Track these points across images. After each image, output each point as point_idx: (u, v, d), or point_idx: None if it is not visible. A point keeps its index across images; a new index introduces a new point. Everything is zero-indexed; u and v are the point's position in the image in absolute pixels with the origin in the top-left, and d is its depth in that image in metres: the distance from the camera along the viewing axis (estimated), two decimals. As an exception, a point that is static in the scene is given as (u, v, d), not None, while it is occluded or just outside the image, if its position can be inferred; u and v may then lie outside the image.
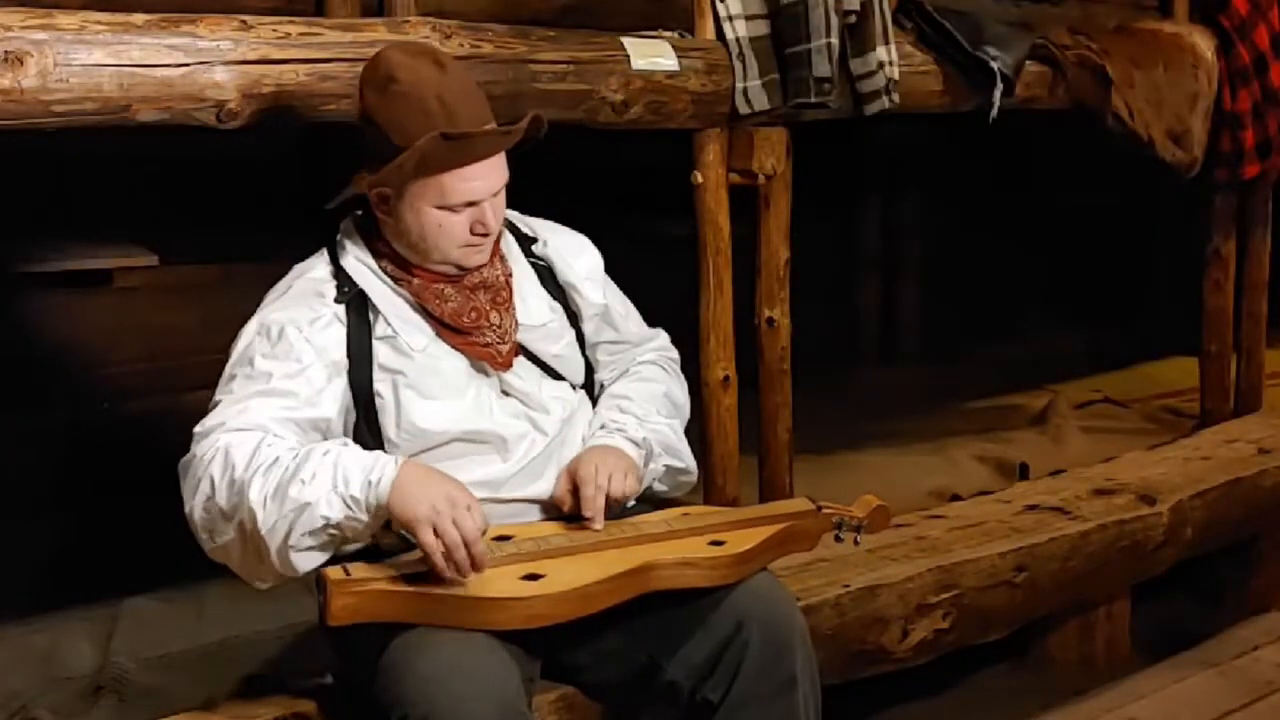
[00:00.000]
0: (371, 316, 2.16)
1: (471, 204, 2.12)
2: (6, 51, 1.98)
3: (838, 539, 2.34)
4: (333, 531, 1.97)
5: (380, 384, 2.14)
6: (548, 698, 2.24)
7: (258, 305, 2.17)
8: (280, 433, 2.01)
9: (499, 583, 2.02)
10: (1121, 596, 3.47)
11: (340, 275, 2.18)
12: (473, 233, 2.14)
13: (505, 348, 2.22)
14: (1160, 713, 3.10)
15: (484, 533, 1.99)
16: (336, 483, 1.95)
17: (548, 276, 2.36)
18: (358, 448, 2.04)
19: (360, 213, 2.25)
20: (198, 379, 3.58)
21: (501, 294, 2.24)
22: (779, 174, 2.97)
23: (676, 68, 2.79)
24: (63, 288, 3.59)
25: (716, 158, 2.92)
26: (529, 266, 2.34)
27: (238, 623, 2.94)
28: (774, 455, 3.10)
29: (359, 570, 2.00)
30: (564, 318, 2.35)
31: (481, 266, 2.21)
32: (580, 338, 2.38)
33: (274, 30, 2.27)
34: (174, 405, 3.65)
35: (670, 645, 2.15)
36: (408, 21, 2.50)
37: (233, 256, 3.80)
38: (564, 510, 2.20)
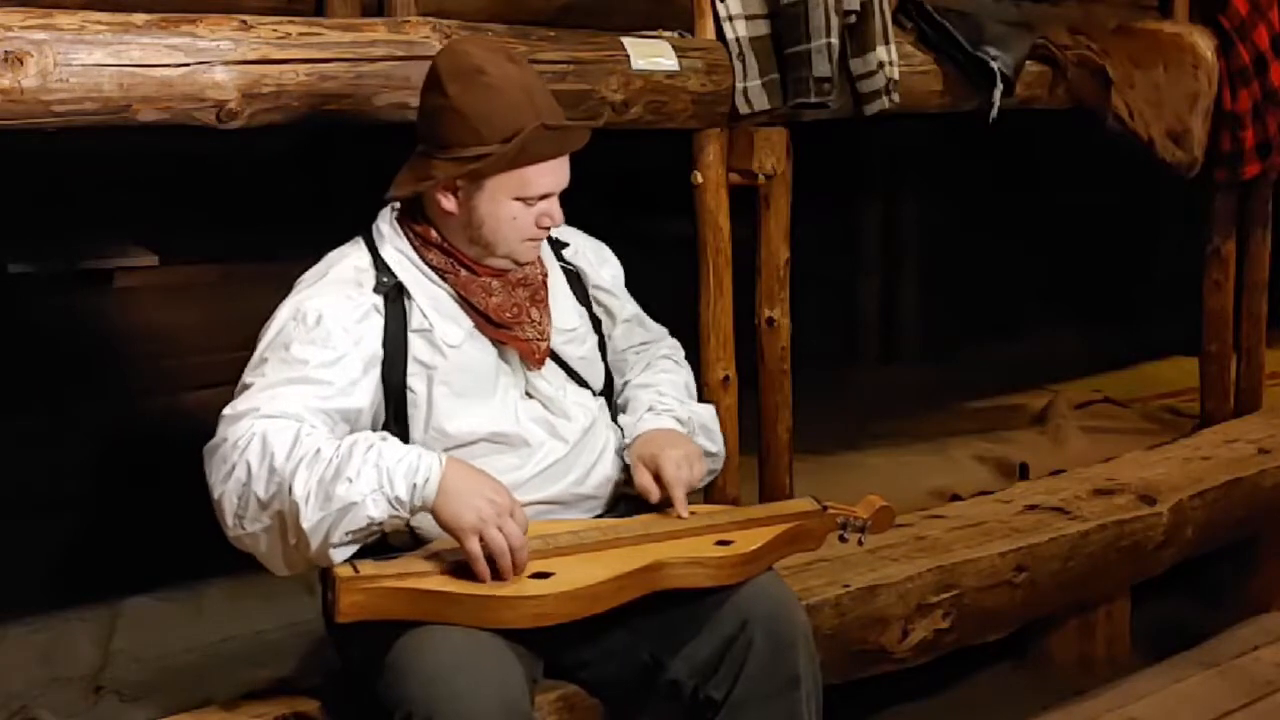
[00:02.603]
0: (408, 308, 2.16)
1: (544, 197, 2.15)
2: (6, 51, 1.97)
3: (842, 539, 2.35)
4: (375, 529, 1.98)
5: (414, 378, 2.14)
6: (548, 697, 2.25)
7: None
8: (314, 423, 2.00)
9: (507, 581, 2.01)
10: (1121, 596, 3.47)
11: (379, 265, 2.18)
12: (538, 226, 2.17)
13: (543, 345, 2.24)
14: (1160, 713, 3.10)
15: (525, 532, 2.01)
16: (382, 483, 1.95)
17: (575, 282, 2.39)
18: (396, 441, 2.04)
19: (397, 203, 2.25)
20: (198, 379, 3.61)
21: (539, 293, 2.26)
22: (779, 174, 2.97)
23: (676, 68, 2.79)
24: (63, 288, 3.59)
25: (716, 158, 2.92)
26: (560, 270, 2.37)
27: (238, 623, 2.94)
28: (774, 455, 3.10)
29: (367, 567, 2.00)
30: (589, 323, 2.38)
31: (527, 264, 2.23)
32: (601, 344, 2.40)
33: (274, 30, 2.26)
34: (174, 405, 3.66)
35: (674, 644, 2.16)
36: (408, 21, 2.49)
37: (233, 256, 3.80)
38: (651, 499, 2.23)
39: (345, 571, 1.98)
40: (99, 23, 2.09)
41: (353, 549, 1.99)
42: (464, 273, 2.19)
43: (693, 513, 2.28)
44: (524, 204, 2.14)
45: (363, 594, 1.97)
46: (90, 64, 2.05)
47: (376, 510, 1.95)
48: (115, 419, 3.63)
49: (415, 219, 2.21)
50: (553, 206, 2.17)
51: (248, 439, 1.96)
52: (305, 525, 1.93)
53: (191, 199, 3.69)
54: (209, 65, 2.17)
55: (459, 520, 1.97)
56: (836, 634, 2.73)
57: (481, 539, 1.97)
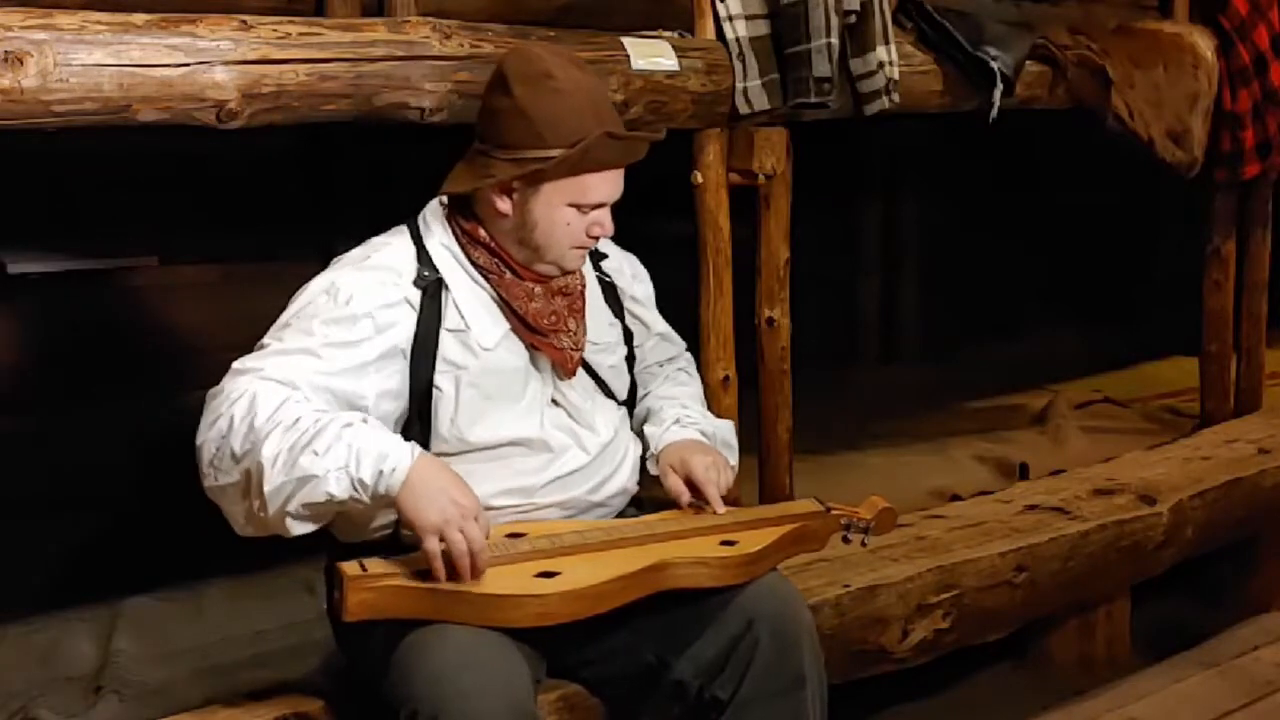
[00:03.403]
0: (444, 305, 2.15)
1: (598, 206, 2.16)
2: (6, 51, 1.97)
3: (845, 540, 2.36)
4: (335, 507, 1.97)
5: (441, 377, 2.14)
6: (549, 697, 2.25)
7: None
8: (310, 395, 2.00)
9: (513, 580, 2.02)
10: (1121, 596, 3.47)
11: (422, 258, 2.17)
12: (588, 234, 2.17)
13: (577, 354, 2.24)
14: (1160, 713, 3.10)
15: (487, 536, 2.00)
16: (348, 462, 1.93)
17: (610, 293, 2.40)
18: (378, 424, 2.03)
19: (445, 199, 2.25)
20: (198, 379, 3.60)
21: (577, 302, 2.27)
22: (779, 174, 2.97)
23: (676, 68, 2.79)
24: (62, 288, 3.59)
25: (716, 158, 2.92)
26: (596, 281, 2.38)
27: (238, 623, 2.94)
28: (774, 455, 3.10)
29: (375, 566, 2.00)
30: (620, 334, 2.39)
31: (570, 272, 2.23)
32: (629, 355, 2.41)
33: (274, 30, 2.26)
34: (174, 405, 3.65)
35: (679, 644, 2.16)
36: (408, 21, 2.49)
37: (233, 256, 3.80)
38: (682, 502, 2.27)
39: (353, 570, 1.98)
40: (99, 23, 2.09)
41: (310, 526, 1.98)
42: (508, 275, 2.19)
43: (696, 514, 2.29)
44: (578, 211, 2.14)
45: (370, 592, 1.97)
46: (90, 64, 2.05)
47: (337, 488, 1.93)
48: (115, 419, 3.63)
49: (464, 216, 2.21)
50: (604, 216, 2.18)
51: (239, 394, 1.97)
52: (267, 488, 1.92)
53: (191, 199, 3.69)
54: (209, 65, 2.17)
55: (422, 517, 1.95)
56: (837, 634, 2.73)
57: (442, 539, 1.96)
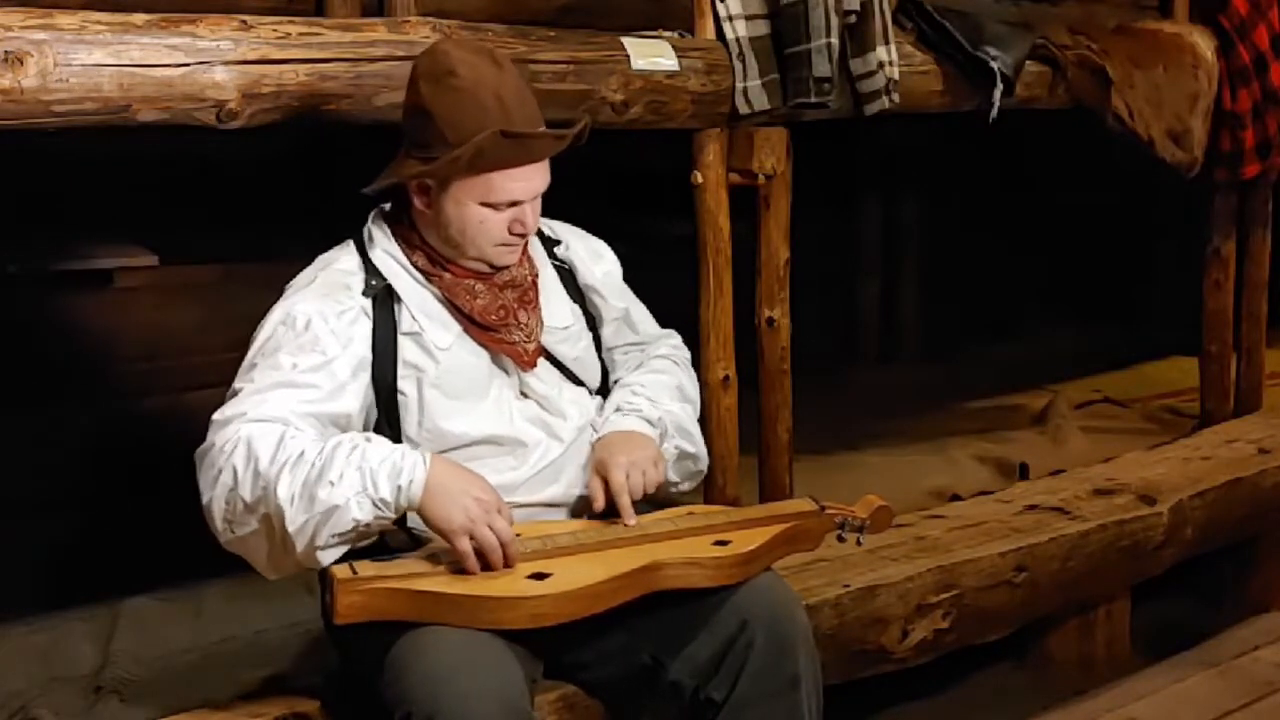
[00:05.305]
0: (397, 311, 2.16)
1: (514, 203, 2.14)
2: (6, 51, 1.98)
3: (840, 539, 2.35)
4: (361, 530, 1.98)
5: (404, 381, 2.14)
6: (548, 697, 2.25)
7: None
8: (300, 426, 2.00)
9: (505, 582, 2.02)
10: (1121, 596, 3.47)
11: (368, 268, 2.18)
12: (511, 232, 2.16)
13: (531, 347, 2.23)
14: (1160, 713, 3.10)
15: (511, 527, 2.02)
16: (366, 485, 1.95)
17: (569, 279, 2.38)
18: (381, 441, 2.03)
19: (389, 205, 2.25)
20: (198, 379, 3.61)
21: (528, 294, 2.25)
22: (779, 174, 2.97)
23: (676, 68, 2.79)
24: (63, 288, 3.59)
25: (716, 158, 2.92)
26: (552, 269, 2.36)
27: (238, 623, 2.94)
28: (774, 455, 3.10)
29: (365, 568, 2.00)
30: (583, 321, 2.37)
31: (511, 265, 2.22)
32: (597, 341, 2.39)
33: (274, 30, 2.27)
34: (174, 405, 3.66)
35: (674, 645, 2.16)
36: (408, 21, 2.50)
37: (233, 256, 3.80)
38: (595, 507, 2.21)
39: (343, 572, 1.98)
40: (99, 23, 2.09)
41: (341, 550, 2.00)
42: (447, 275, 2.19)
43: (690, 514, 2.28)
44: (492, 209, 2.13)
45: (361, 595, 1.97)
46: (90, 64, 2.05)
47: (361, 513, 1.95)
48: (115, 419, 3.63)
49: (402, 222, 2.22)
50: (524, 213, 2.15)
51: (234, 444, 1.97)
52: (290, 528, 1.93)
53: (191, 199, 3.69)
54: (209, 65, 2.17)
55: (449, 521, 1.97)
56: (836, 634, 2.73)
57: (472, 537, 1.97)
